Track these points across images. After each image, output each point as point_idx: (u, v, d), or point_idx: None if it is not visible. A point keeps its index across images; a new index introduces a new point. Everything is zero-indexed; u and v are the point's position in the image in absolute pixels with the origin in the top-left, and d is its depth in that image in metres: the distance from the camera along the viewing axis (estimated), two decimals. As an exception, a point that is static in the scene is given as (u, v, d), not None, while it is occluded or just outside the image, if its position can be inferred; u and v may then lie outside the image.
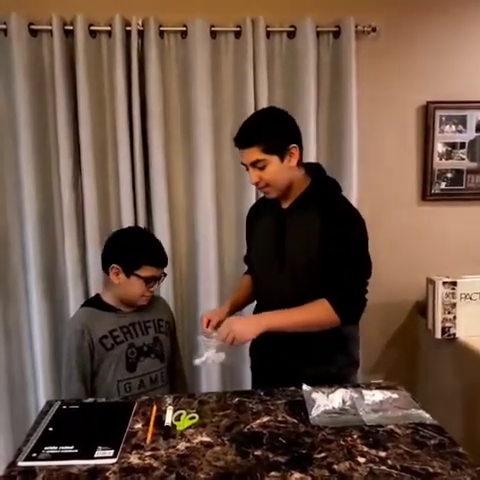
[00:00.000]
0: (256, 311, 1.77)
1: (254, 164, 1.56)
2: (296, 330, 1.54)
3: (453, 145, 2.56)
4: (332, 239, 1.54)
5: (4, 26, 2.21)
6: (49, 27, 2.22)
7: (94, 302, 1.79)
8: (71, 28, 2.24)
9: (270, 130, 1.55)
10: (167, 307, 1.95)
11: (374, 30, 2.39)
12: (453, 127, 2.55)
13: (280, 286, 1.64)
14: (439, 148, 2.56)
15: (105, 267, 1.73)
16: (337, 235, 1.54)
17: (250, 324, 1.53)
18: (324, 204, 1.59)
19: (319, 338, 1.58)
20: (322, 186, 1.65)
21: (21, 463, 1.16)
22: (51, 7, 2.22)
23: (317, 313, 1.55)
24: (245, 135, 1.57)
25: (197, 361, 1.53)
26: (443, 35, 2.50)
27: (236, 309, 1.80)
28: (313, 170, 1.68)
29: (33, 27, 2.24)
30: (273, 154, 1.54)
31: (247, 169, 1.60)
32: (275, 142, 1.54)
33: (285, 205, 1.66)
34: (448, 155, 2.56)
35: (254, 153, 1.54)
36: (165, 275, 1.80)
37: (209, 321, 1.64)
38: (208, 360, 1.52)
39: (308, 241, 1.57)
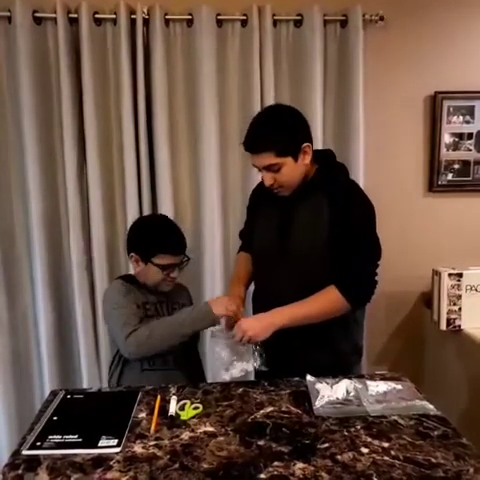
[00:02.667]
0: (255, 295, 1.79)
1: (268, 168, 1.53)
2: (309, 322, 1.54)
3: (460, 136, 2.53)
4: (341, 224, 1.54)
5: (8, 14, 2.20)
6: (53, 15, 2.20)
7: (126, 278, 1.82)
8: (76, 16, 2.22)
9: (282, 133, 1.52)
10: (189, 295, 1.97)
11: (381, 19, 2.36)
12: (461, 118, 2.52)
13: (281, 271, 1.64)
14: (446, 139, 2.53)
15: (128, 254, 1.78)
16: (346, 219, 1.54)
17: (264, 324, 1.53)
18: (332, 189, 1.58)
19: (322, 323, 1.57)
20: (329, 171, 1.63)
21: (25, 452, 1.17)
22: (55, -6, 2.21)
23: (328, 302, 1.55)
24: (256, 141, 1.53)
25: (226, 376, 1.54)
26: (451, 24, 2.47)
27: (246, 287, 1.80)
28: (322, 156, 1.66)
29: (37, 15, 2.22)
30: (287, 156, 1.52)
31: (259, 170, 1.57)
32: (288, 144, 1.52)
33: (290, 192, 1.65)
34: (455, 146, 2.54)
35: (267, 158, 1.51)
36: (188, 259, 1.79)
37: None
38: (239, 373, 1.54)
39: (315, 226, 1.57)
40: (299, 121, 1.57)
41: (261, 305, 1.66)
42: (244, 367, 1.55)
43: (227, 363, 1.55)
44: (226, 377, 1.54)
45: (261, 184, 1.85)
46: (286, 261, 1.62)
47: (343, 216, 1.54)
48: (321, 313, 1.55)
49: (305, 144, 1.54)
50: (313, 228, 1.57)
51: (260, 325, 1.52)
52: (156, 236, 1.74)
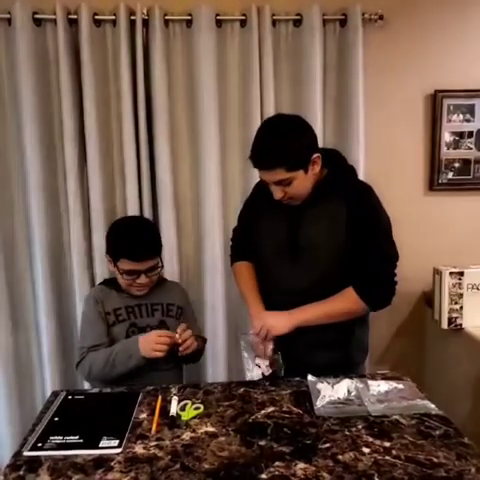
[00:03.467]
0: (265, 299, 1.75)
1: (278, 183, 1.52)
2: (327, 322, 1.56)
3: (461, 134, 2.52)
4: (360, 226, 1.54)
5: (8, 16, 2.20)
6: (53, 16, 2.20)
7: (108, 281, 1.86)
8: (75, 17, 2.22)
9: (292, 148, 1.48)
10: (183, 294, 1.94)
11: (381, 18, 2.36)
12: (461, 116, 2.51)
13: (292, 275, 1.62)
14: (446, 137, 2.52)
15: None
16: (365, 222, 1.55)
17: (283, 318, 1.54)
18: (348, 192, 1.57)
19: (332, 325, 1.59)
20: (341, 175, 1.62)
21: (27, 453, 1.18)
22: (55, -4, 2.21)
23: (348, 303, 1.56)
24: (266, 158, 1.50)
25: (249, 375, 1.59)
26: (451, 23, 2.46)
27: None
28: (330, 158, 1.63)
29: (37, 16, 2.22)
30: (297, 170, 1.50)
31: (269, 184, 1.56)
32: (298, 159, 1.50)
33: None
34: (456, 144, 2.53)
35: (278, 174, 1.49)
36: (161, 267, 1.78)
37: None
38: (260, 372, 1.58)
39: (332, 229, 1.56)
40: (307, 132, 1.54)
41: (272, 309, 1.65)
42: (262, 371, 1.59)
43: (249, 364, 1.61)
44: (248, 377, 1.59)
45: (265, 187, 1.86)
46: (300, 264, 1.61)
47: (362, 219, 1.55)
48: (341, 313, 1.57)
49: (315, 155, 1.52)
50: (330, 231, 1.56)
51: (281, 318, 1.54)
52: (120, 240, 1.73)
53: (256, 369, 1.59)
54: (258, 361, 1.60)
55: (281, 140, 1.48)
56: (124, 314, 1.75)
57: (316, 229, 1.58)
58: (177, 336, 1.61)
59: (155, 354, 1.58)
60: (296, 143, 1.49)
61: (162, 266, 1.80)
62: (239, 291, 1.83)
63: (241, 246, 1.88)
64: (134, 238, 1.71)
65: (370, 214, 1.57)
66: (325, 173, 1.62)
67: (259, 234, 1.74)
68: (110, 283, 1.83)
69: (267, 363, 1.59)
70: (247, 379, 1.58)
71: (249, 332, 1.63)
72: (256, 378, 1.58)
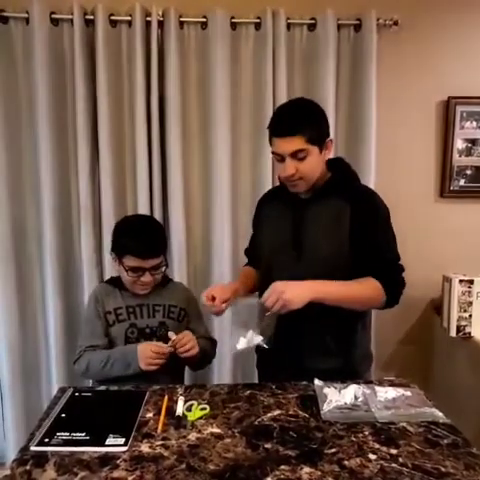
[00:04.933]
0: None
1: (294, 154, 1.50)
2: (345, 304, 1.51)
3: (473, 141, 2.51)
4: (367, 225, 1.54)
5: (26, 15, 2.22)
6: (70, 16, 2.23)
7: (112, 280, 1.86)
8: (92, 17, 2.25)
9: (313, 120, 1.52)
10: (185, 294, 1.91)
11: (396, 24, 2.35)
12: (474, 123, 2.50)
13: (296, 274, 1.58)
14: (459, 144, 2.51)
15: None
16: (372, 221, 1.55)
17: (302, 289, 1.43)
18: (352, 194, 1.57)
19: (333, 329, 1.58)
20: (345, 177, 1.64)
21: (33, 448, 1.18)
22: (72, -4, 2.23)
23: (371, 290, 1.53)
24: (289, 123, 1.50)
25: (239, 346, 1.45)
26: (465, 30, 2.45)
27: (244, 292, 1.70)
28: (334, 164, 1.66)
29: (54, 16, 2.24)
30: (314, 145, 1.50)
31: (280, 160, 1.54)
32: (317, 133, 1.51)
33: (304, 195, 1.63)
34: (468, 152, 2.52)
35: (297, 142, 1.48)
36: (166, 266, 1.79)
37: (213, 298, 1.54)
38: (249, 343, 1.44)
39: (336, 229, 1.55)
40: (324, 114, 1.59)
41: None
42: (250, 340, 1.45)
43: (238, 334, 1.46)
44: (235, 349, 1.46)
45: (265, 196, 1.85)
46: (304, 263, 1.60)
47: (368, 221, 1.55)
48: (362, 298, 1.54)
49: (329, 138, 1.56)
50: (334, 231, 1.56)
51: (300, 290, 1.42)
52: (126, 237, 1.74)
53: (242, 339, 1.45)
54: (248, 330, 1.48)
55: (304, 110, 1.55)
56: (124, 314, 1.75)
57: (319, 228, 1.58)
58: (168, 347, 1.60)
59: (150, 368, 1.58)
60: (317, 117, 1.55)
61: (167, 265, 1.80)
62: None
63: (250, 256, 1.92)
64: (140, 235, 1.71)
65: (377, 217, 1.58)
66: (329, 176, 1.63)
67: (263, 236, 1.75)
68: (114, 282, 1.83)
69: (258, 331, 1.46)
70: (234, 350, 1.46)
71: (255, 299, 1.53)
72: (244, 347, 1.46)
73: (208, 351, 1.81)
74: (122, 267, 1.72)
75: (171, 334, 1.64)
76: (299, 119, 1.51)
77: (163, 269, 1.77)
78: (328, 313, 1.51)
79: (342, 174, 1.64)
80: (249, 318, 1.49)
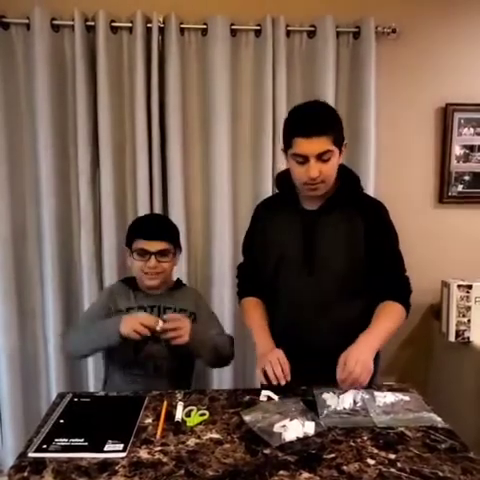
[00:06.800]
0: (276, 316, 1.70)
1: (320, 156, 1.45)
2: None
3: (471, 148, 2.53)
4: (380, 240, 1.56)
5: (27, 21, 2.23)
6: (71, 22, 2.24)
7: (127, 279, 1.88)
8: (93, 24, 2.26)
9: (338, 121, 1.51)
10: (197, 299, 1.89)
11: (394, 31, 2.37)
12: (471, 130, 2.52)
13: (308, 289, 1.60)
14: (457, 150, 2.53)
15: None
16: (386, 236, 1.58)
17: (366, 353, 1.45)
18: (360, 203, 1.58)
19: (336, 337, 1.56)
20: (353, 188, 1.63)
21: (31, 454, 1.18)
22: (73, 2, 2.24)
23: (399, 315, 1.58)
24: (319, 123, 1.45)
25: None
26: (463, 37, 2.47)
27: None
28: (339, 170, 1.60)
29: (55, 22, 2.25)
30: (337, 147, 1.49)
31: (301, 162, 1.47)
32: (340, 134, 1.51)
33: (312, 206, 1.60)
34: (466, 158, 2.54)
35: (325, 143, 1.44)
36: (173, 255, 1.78)
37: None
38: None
39: (351, 245, 1.55)
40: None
41: (283, 323, 1.65)
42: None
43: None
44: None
45: (265, 202, 1.80)
46: (315, 280, 1.58)
47: (381, 233, 1.57)
48: (397, 327, 1.57)
49: (345, 141, 1.55)
50: (348, 247, 1.56)
51: (364, 361, 1.43)
52: (135, 223, 1.86)
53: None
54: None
55: (328, 110, 1.53)
56: None
57: (332, 242, 1.56)
58: (159, 325, 1.55)
59: (133, 334, 1.52)
60: (339, 118, 1.53)
61: (174, 254, 1.79)
62: (248, 327, 1.73)
63: (249, 281, 1.81)
64: (151, 220, 1.93)
65: (387, 229, 1.61)
66: (338, 184, 1.60)
67: (269, 247, 1.67)
68: (129, 281, 1.85)
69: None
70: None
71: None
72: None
73: (220, 347, 1.73)
74: (132, 257, 1.76)
75: (166, 317, 1.60)
76: (326, 119, 1.48)
77: (170, 258, 1.77)
78: (341, 329, 1.55)
79: (350, 182, 1.63)
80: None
